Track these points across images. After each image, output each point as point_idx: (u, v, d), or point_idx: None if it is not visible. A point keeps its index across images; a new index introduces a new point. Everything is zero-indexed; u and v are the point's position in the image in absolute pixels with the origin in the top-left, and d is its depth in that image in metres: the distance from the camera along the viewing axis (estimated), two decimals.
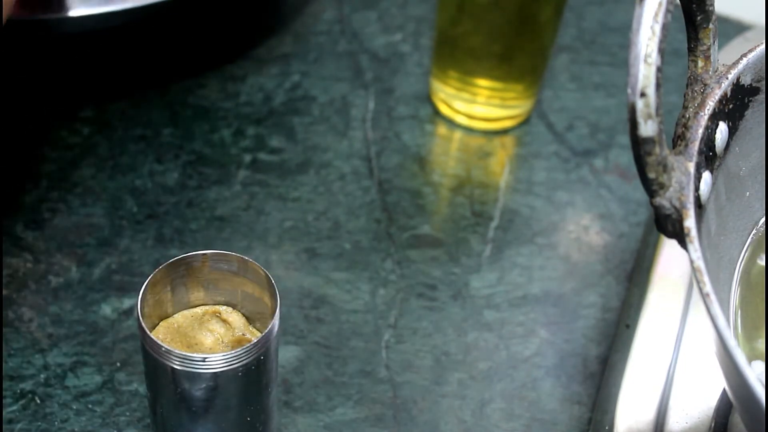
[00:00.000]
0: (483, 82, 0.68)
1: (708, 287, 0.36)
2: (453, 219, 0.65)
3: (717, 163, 0.41)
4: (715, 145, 0.41)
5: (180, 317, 0.48)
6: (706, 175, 0.40)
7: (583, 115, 0.71)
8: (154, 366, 0.45)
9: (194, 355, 0.43)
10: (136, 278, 0.59)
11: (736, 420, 0.50)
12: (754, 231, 0.45)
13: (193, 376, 0.44)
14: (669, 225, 0.38)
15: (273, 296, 0.46)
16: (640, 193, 0.66)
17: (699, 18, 0.41)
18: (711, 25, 0.41)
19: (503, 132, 0.70)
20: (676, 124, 0.41)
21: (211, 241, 0.62)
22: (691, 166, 0.39)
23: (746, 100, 0.43)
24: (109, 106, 0.69)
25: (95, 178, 0.65)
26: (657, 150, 0.37)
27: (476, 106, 0.69)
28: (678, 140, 0.40)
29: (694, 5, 0.41)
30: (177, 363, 0.43)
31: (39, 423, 0.53)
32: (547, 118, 0.71)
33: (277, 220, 0.63)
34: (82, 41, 0.71)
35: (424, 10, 0.77)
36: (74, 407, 0.54)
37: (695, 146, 0.39)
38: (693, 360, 0.54)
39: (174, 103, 0.69)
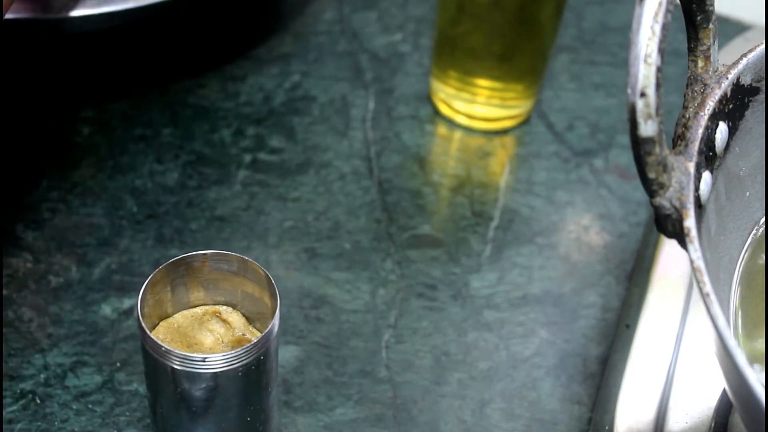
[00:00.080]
0: (483, 82, 0.68)
1: (708, 287, 0.36)
2: (453, 219, 0.65)
3: (717, 163, 0.41)
4: (715, 145, 0.41)
5: (180, 317, 0.48)
6: (706, 175, 0.40)
7: (583, 115, 0.71)
8: (154, 366, 0.45)
9: (194, 355, 0.43)
10: (136, 278, 0.59)
11: (736, 420, 0.50)
12: (754, 231, 0.45)
13: (193, 376, 0.44)
14: (669, 225, 0.38)
15: (273, 296, 0.46)
16: (640, 193, 0.66)
17: (699, 18, 0.41)
18: (711, 25, 0.41)
19: (503, 132, 0.70)
20: (676, 124, 0.41)
21: (211, 241, 0.62)
22: (691, 166, 0.39)
23: (746, 100, 0.43)
24: (109, 106, 0.69)
25: (95, 178, 0.65)
26: (657, 150, 0.37)
27: (476, 106, 0.69)
28: (678, 140, 0.40)
29: (694, 5, 0.41)
30: (177, 363, 0.43)
31: (39, 423, 0.53)
32: (547, 118, 0.71)
33: (277, 220, 0.63)
34: (82, 41, 0.71)
35: (424, 10, 0.77)
36: (74, 407, 0.54)
37: (695, 146, 0.39)
38: (693, 360, 0.54)
39: (174, 103, 0.69)
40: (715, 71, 0.42)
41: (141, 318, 0.44)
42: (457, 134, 0.70)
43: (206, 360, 0.43)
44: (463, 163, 0.68)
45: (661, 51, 0.36)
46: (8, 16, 0.58)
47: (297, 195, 0.65)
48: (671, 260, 0.59)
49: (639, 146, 0.37)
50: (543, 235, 0.64)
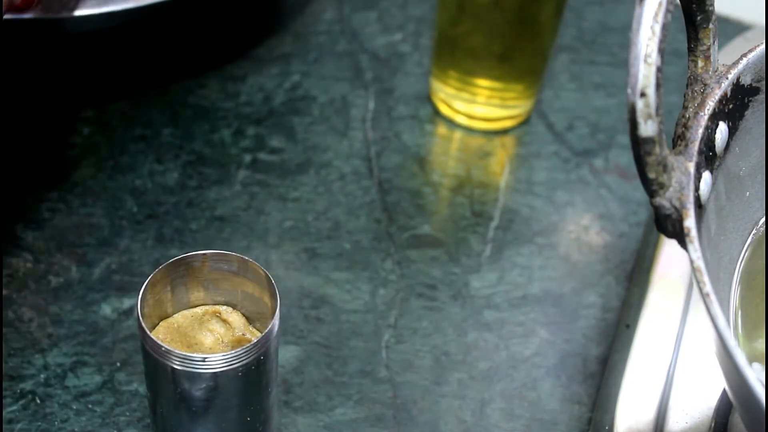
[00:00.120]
0: (483, 82, 0.68)
1: (708, 287, 0.36)
2: (453, 219, 0.65)
3: (717, 163, 0.41)
4: (715, 145, 0.41)
5: (180, 317, 0.48)
6: (706, 175, 0.40)
7: (583, 115, 0.71)
8: (154, 366, 0.45)
9: (194, 355, 0.43)
10: (136, 278, 0.59)
11: (736, 420, 0.50)
12: (754, 231, 0.45)
13: (193, 376, 0.44)
14: (669, 225, 0.38)
15: (273, 296, 0.46)
16: (640, 193, 0.66)
17: (699, 18, 0.41)
18: (711, 25, 0.41)
19: (503, 132, 0.70)
20: (676, 124, 0.41)
21: (211, 241, 0.62)
22: (691, 166, 0.39)
23: (746, 100, 0.43)
24: (109, 106, 0.69)
25: (95, 178, 0.65)
26: (657, 150, 0.37)
27: (476, 106, 0.69)
28: (678, 140, 0.40)
29: (694, 5, 0.41)
30: (177, 363, 0.43)
31: (39, 423, 0.53)
32: (547, 118, 0.71)
33: (277, 220, 0.63)
34: (82, 41, 0.71)
35: (424, 10, 0.77)
36: (74, 407, 0.54)
37: (695, 146, 0.39)
38: (693, 360, 0.54)
39: (174, 103, 0.69)
40: (715, 71, 0.42)
41: (141, 318, 0.44)
42: (457, 134, 0.70)
43: (206, 360, 0.43)
44: (463, 163, 0.68)
45: (661, 51, 0.36)
46: (8, 16, 0.58)
47: (297, 195, 0.65)
48: (671, 260, 0.59)
49: (639, 146, 0.37)
50: (543, 235, 0.64)
